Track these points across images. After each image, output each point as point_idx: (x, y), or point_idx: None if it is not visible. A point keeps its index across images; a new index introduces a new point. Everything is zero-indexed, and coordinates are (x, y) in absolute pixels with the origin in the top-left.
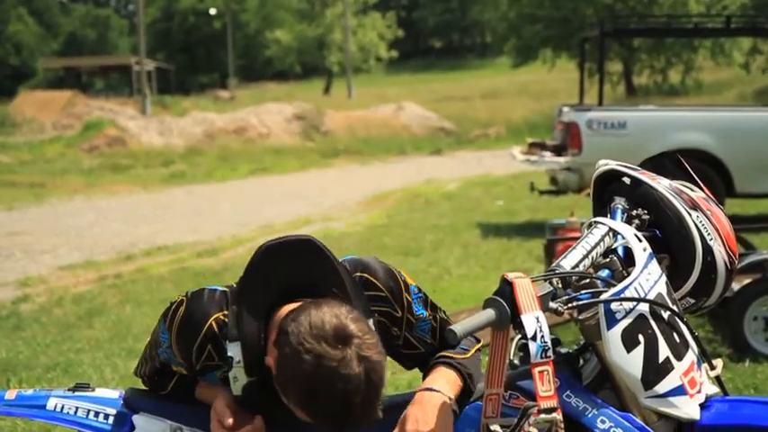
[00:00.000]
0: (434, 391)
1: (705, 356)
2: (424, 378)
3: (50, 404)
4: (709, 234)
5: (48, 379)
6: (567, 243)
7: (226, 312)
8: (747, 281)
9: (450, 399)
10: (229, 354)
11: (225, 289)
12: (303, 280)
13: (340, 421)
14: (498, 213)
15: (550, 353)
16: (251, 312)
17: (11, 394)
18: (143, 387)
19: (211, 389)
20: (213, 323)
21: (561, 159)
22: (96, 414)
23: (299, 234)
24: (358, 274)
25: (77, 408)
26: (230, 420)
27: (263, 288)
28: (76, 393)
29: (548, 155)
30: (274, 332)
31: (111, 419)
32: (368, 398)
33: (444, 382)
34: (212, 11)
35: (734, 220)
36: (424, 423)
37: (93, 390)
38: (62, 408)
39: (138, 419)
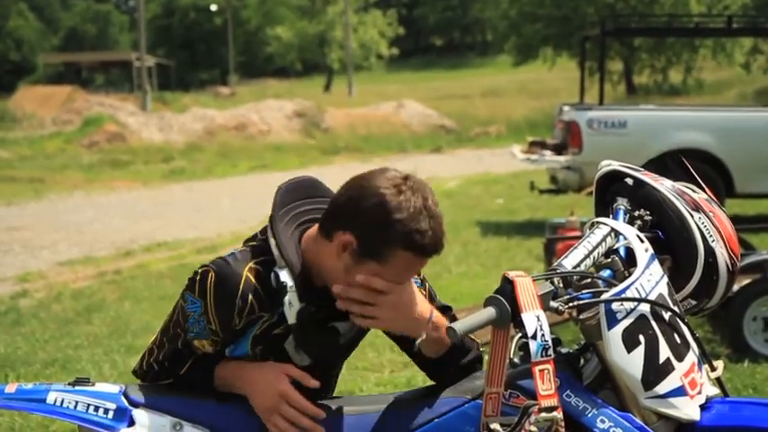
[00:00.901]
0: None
1: (706, 358)
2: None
3: (50, 398)
4: (711, 235)
5: (46, 375)
6: (566, 242)
7: (255, 262)
8: (747, 281)
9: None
10: (282, 279)
11: (242, 249)
12: (320, 210)
13: (420, 242)
14: (498, 212)
15: (551, 352)
16: (287, 242)
17: (11, 388)
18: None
19: (241, 366)
20: (248, 274)
21: (561, 158)
22: (96, 408)
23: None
24: None
25: (77, 402)
26: (314, 381)
27: (291, 220)
28: (77, 388)
29: (548, 154)
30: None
31: (111, 414)
32: (435, 220)
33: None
34: (213, 7)
35: (733, 220)
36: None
37: (94, 384)
38: (62, 402)
39: (138, 414)
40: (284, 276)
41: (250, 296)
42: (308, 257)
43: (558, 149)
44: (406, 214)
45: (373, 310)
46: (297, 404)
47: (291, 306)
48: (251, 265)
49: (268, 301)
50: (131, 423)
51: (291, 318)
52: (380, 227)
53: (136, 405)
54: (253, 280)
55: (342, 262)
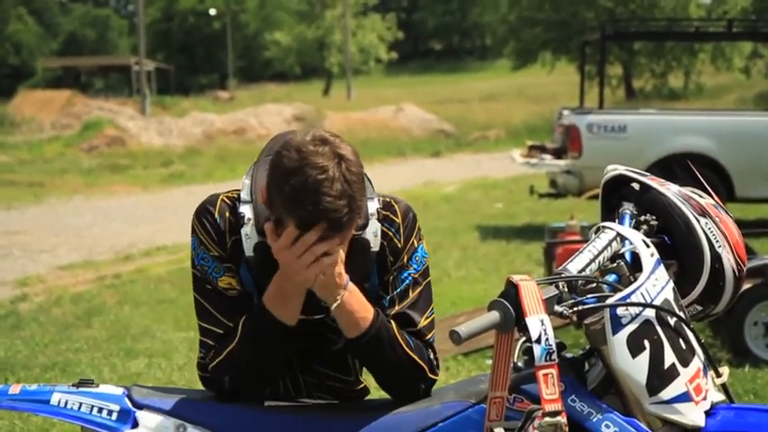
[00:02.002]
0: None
1: (711, 363)
2: None
3: (54, 399)
4: (717, 241)
5: (46, 379)
6: (566, 246)
7: (231, 192)
8: (747, 286)
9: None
10: (240, 210)
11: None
12: None
13: (315, 213)
14: (497, 216)
15: (555, 356)
16: (259, 182)
17: (15, 389)
18: (148, 384)
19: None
20: (223, 198)
21: (561, 162)
22: (100, 410)
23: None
24: (384, 194)
25: (81, 403)
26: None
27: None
28: (80, 389)
29: (547, 158)
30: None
31: (114, 416)
32: (344, 192)
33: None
34: (212, 11)
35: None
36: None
37: (97, 386)
38: (66, 403)
39: (141, 416)
40: (244, 209)
41: (227, 213)
42: None
43: (558, 153)
44: (289, 189)
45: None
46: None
47: (249, 238)
48: (226, 193)
49: (239, 226)
50: (135, 425)
51: (248, 250)
52: (272, 192)
53: (139, 407)
54: (228, 202)
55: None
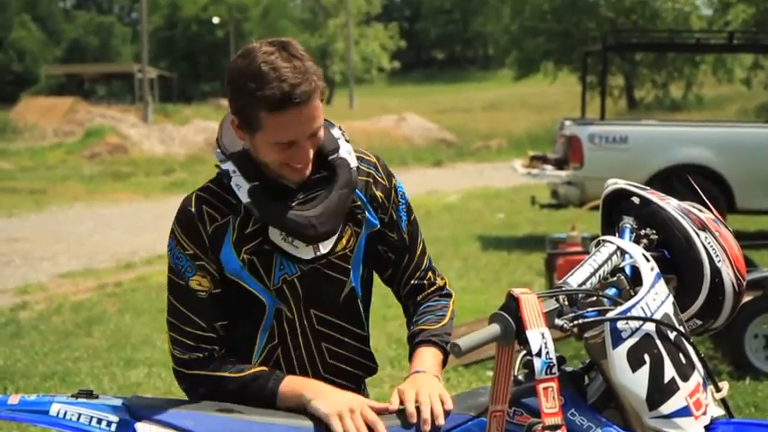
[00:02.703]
0: (423, 372)
1: (711, 378)
2: (410, 357)
3: (53, 410)
4: (717, 255)
5: (45, 388)
6: (567, 257)
7: (203, 186)
8: (748, 298)
9: (437, 376)
10: (224, 167)
11: None
12: None
13: (280, 87)
14: (499, 226)
15: (555, 370)
16: (229, 137)
17: (14, 399)
18: (146, 395)
19: (314, 381)
20: (197, 193)
21: (563, 173)
22: (99, 421)
23: None
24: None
25: (80, 414)
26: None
27: None
28: (79, 400)
29: (549, 168)
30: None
31: (113, 426)
32: (297, 66)
33: (431, 363)
34: (215, 20)
35: (734, 236)
36: (423, 394)
37: (97, 397)
38: (65, 414)
39: (140, 427)
40: (227, 165)
41: (203, 206)
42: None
43: (560, 164)
44: (251, 79)
45: None
46: (368, 417)
47: (240, 187)
48: (198, 188)
49: (223, 206)
50: None
51: (244, 197)
52: (238, 100)
53: (139, 418)
54: (202, 195)
55: (247, 144)
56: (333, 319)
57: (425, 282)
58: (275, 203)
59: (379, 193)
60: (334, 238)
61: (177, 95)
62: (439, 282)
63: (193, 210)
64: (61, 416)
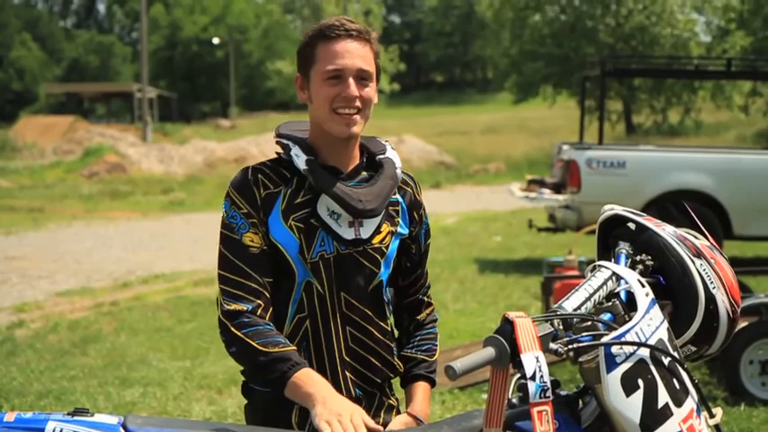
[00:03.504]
0: (417, 419)
1: (705, 404)
2: (408, 384)
3: (49, 427)
4: (712, 282)
5: (40, 406)
6: (564, 281)
7: (260, 162)
8: (743, 324)
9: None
10: (284, 142)
11: None
12: None
13: (338, 25)
14: (496, 249)
15: (549, 393)
16: (288, 129)
17: (10, 416)
18: (142, 414)
19: (326, 383)
20: (254, 165)
21: (560, 197)
22: None
23: None
24: None
25: None
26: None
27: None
28: (75, 417)
29: (547, 192)
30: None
31: None
32: (358, 25)
33: (426, 405)
34: (215, 40)
35: (731, 262)
36: None
37: (93, 415)
38: (60, 431)
39: None
40: (286, 141)
41: (259, 175)
42: (312, 140)
43: (557, 188)
44: (317, 25)
45: None
46: (357, 426)
47: (299, 157)
48: (255, 163)
49: (277, 177)
50: None
51: (301, 164)
52: (302, 48)
53: None
54: (259, 166)
55: (306, 98)
56: (361, 306)
57: (426, 299)
58: (329, 176)
59: (414, 206)
60: (374, 226)
61: (176, 115)
62: (432, 302)
63: (250, 176)
64: None
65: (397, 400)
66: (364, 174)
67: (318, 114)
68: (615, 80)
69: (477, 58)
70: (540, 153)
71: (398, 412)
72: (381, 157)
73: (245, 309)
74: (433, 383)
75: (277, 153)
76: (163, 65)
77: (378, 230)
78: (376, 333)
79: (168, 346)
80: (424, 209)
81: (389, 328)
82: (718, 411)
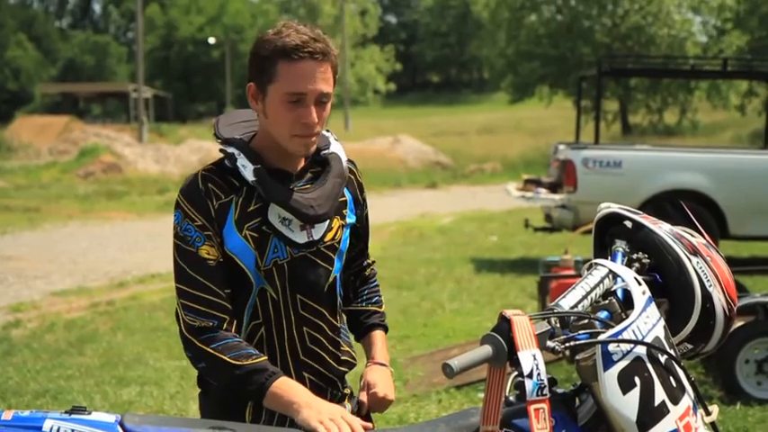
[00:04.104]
0: (384, 366)
1: (701, 402)
2: (364, 335)
3: (46, 426)
4: (708, 280)
5: (37, 405)
6: (560, 280)
7: (206, 165)
8: (739, 324)
9: (390, 370)
10: (229, 150)
11: None
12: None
13: (297, 39)
14: (492, 249)
15: (546, 391)
16: (228, 132)
17: (7, 415)
18: (139, 412)
19: (306, 390)
20: (202, 172)
21: (556, 197)
22: None
23: None
24: None
25: (73, 430)
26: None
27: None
28: (73, 416)
29: (543, 192)
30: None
31: None
32: (315, 32)
33: (386, 352)
34: (211, 40)
35: (727, 262)
36: (387, 388)
37: (90, 413)
38: (58, 430)
39: None
40: (231, 149)
41: (209, 184)
42: (257, 144)
43: (553, 188)
44: (273, 35)
45: None
46: (351, 423)
47: (246, 167)
48: (203, 168)
49: (227, 186)
50: None
51: (250, 176)
52: (257, 54)
53: None
54: (207, 174)
55: (261, 110)
56: (316, 305)
57: (369, 261)
58: (278, 184)
59: (358, 191)
60: (325, 226)
61: (172, 115)
62: (372, 259)
63: (201, 186)
64: (54, 431)
65: (350, 389)
66: (311, 173)
67: (275, 131)
68: (611, 80)
69: (474, 58)
70: (537, 153)
71: (356, 400)
72: (326, 152)
73: (212, 324)
74: (386, 331)
75: (221, 158)
76: (159, 65)
77: (329, 228)
78: (329, 331)
79: (165, 346)
80: (363, 188)
81: (338, 324)
82: (714, 409)
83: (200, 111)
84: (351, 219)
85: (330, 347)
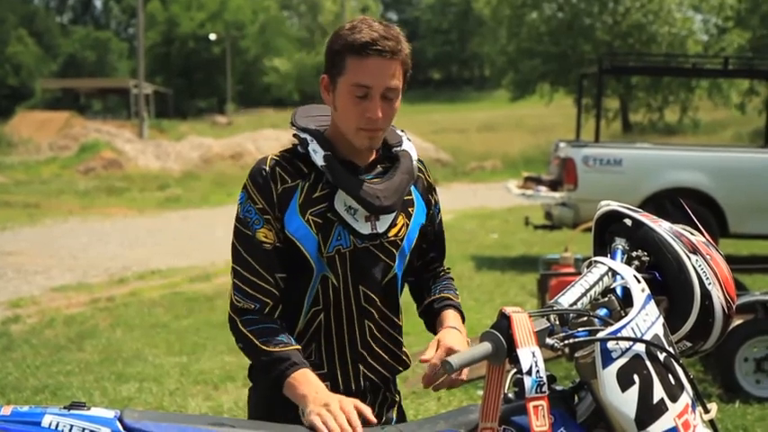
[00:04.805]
0: (456, 329)
1: (700, 399)
2: (434, 317)
3: (45, 421)
4: (707, 278)
5: (36, 401)
6: (560, 278)
7: (279, 152)
8: (739, 322)
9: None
10: (302, 136)
11: None
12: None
13: (368, 35)
14: (492, 246)
15: (545, 388)
16: (304, 121)
17: (6, 410)
18: (139, 408)
19: (319, 382)
20: (272, 156)
21: (557, 194)
22: None
23: None
24: None
25: (72, 426)
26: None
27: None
28: (72, 411)
29: (543, 189)
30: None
31: None
32: (389, 29)
33: (459, 323)
34: (212, 36)
35: (727, 260)
36: (457, 343)
37: (89, 408)
38: (57, 425)
39: None
40: (304, 134)
41: (277, 168)
42: (329, 135)
43: (554, 185)
44: (347, 30)
45: None
46: (348, 412)
47: (317, 152)
48: (275, 153)
49: (295, 171)
50: None
51: (320, 160)
52: (331, 48)
53: (131, 430)
54: (277, 158)
55: (331, 102)
56: (378, 300)
57: (445, 268)
58: (346, 172)
59: (428, 192)
60: (390, 220)
61: (173, 111)
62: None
63: (267, 169)
64: (53, 427)
65: (399, 395)
66: (380, 167)
67: (342, 124)
68: (612, 78)
69: (475, 55)
70: (537, 151)
71: (400, 408)
72: (398, 149)
73: (254, 307)
74: (463, 317)
75: (294, 144)
76: (159, 61)
77: (393, 223)
78: (389, 329)
79: (164, 342)
80: (435, 189)
81: (400, 323)
82: (712, 407)
83: (201, 107)
84: (420, 218)
85: (389, 344)
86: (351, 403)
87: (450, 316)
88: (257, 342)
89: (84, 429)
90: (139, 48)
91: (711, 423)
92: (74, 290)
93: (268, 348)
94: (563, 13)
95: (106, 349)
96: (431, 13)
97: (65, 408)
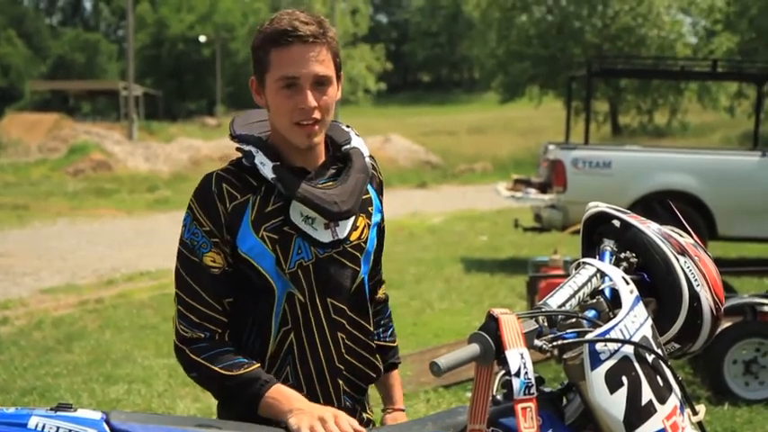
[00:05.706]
0: (404, 411)
1: (688, 401)
2: (385, 372)
3: (32, 422)
4: (696, 280)
5: (24, 403)
6: (549, 280)
7: (223, 167)
8: (727, 324)
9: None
10: (246, 149)
11: None
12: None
13: (289, 26)
14: (482, 248)
15: (534, 390)
16: (245, 129)
17: None
18: (127, 410)
19: (298, 396)
20: (217, 172)
21: (546, 197)
22: None
23: None
24: None
25: (58, 427)
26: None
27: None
28: (58, 413)
29: (532, 192)
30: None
31: None
32: (313, 17)
33: (401, 393)
34: (202, 38)
35: (715, 263)
36: None
37: (76, 410)
38: (43, 426)
39: None
40: (248, 147)
41: (223, 184)
42: (273, 140)
43: (543, 188)
44: (268, 23)
45: None
46: (341, 425)
47: (264, 165)
48: (219, 168)
49: (243, 186)
50: None
51: (269, 173)
52: (254, 46)
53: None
54: (223, 174)
55: (263, 103)
56: (347, 310)
57: (382, 278)
58: (298, 181)
59: (381, 189)
60: (350, 225)
61: (162, 113)
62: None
63: (213, 187)
64: (40, 428)
65: (372, 414)
66: (332, 170)
67: (278, 124)
68: (601, 80)
69: (464, 58)
70: (527, 153)
71: (373, 426)
72: (347, 147)
73: (203, 336)
74: (397, 366)
75: (238, 157)
76: (149, 63)
77: (354, 226)
78: (362, 337)
79: (153, 344)
80: (383, 186)
81: (371, 327)
82: (701, 409)
83: (191, 109)
84: (377, 217)
85: (365, 353)
86: (346, 419)
87: (396, 385)
88: (216, 368)
89: (70, 431)
90: (129, 49)
91: (700, 425)
92: (62, 291)
93: (232, 373)
94: (552, 16)
95: (95, 351)
96: (420, 16)
97: (51, 409)
